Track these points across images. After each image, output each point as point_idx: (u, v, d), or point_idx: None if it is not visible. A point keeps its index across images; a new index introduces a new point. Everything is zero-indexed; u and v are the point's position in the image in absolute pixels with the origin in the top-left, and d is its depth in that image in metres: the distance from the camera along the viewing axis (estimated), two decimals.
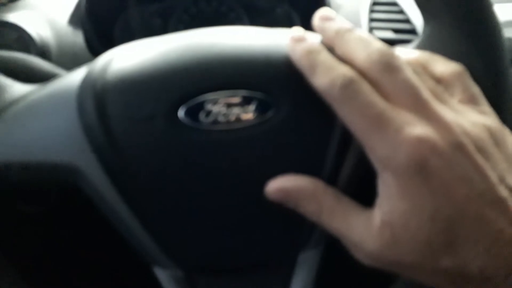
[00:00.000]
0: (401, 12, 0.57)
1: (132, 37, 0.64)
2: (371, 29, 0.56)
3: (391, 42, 0.54)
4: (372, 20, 0.57)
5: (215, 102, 0.24)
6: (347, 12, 0.59)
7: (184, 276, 0.29)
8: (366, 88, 0.22)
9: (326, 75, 0.23)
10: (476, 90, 0.26)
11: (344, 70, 0.23)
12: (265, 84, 0.25)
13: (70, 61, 0.56)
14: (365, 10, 0.57)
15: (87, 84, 0.26)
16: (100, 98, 0.25)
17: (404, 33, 0.55)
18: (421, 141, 0.21)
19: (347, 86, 0.22)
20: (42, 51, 0.53)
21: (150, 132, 0.24)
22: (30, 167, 0.26)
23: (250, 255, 0.28)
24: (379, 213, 0.23)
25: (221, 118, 0.24)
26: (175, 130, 0.24)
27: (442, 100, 0.24)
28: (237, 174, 0.25)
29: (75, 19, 0.59)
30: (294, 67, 0.25)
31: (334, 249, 0.27)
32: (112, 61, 0.26)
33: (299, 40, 0.25)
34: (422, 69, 0.26)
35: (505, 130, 0.24)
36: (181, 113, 0.24)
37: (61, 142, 0.26)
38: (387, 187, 0.22)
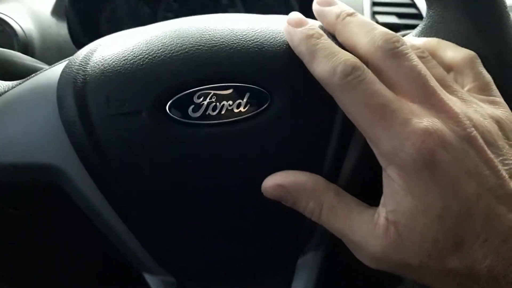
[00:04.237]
0: None
1: (119, 27, 0.62)
2: (373, 14, 0.53)
3: (395, 28, 0.52)
4: (375, 3, 0.54)
5: (205, 95, 0.22)
6: None
7: (176, 283, 0.27)
8: (369, 76, 0.21)
9: (326, 62, 0.21)
10: (487, 78, 0.24)
11: (346, 57, 0.21)
12: (258, 76, 0.23)
13: (54, 54, 0.54)
14: None
15: (67, 78, 0.23)
16: (80, 93, 0.23)
17: (409, 18, 0.52)
18: (428, 134, 0.19)
19: (349, 73, 0.21)
20: (26, 45, 0.51)
21: (135, 129, 0.22)
22: (9, 168, 0.24)
23: (245, 262, 0.26)
24: (383, 212, 0.21)
25: (211, 112, 0.23)
26: (162, 126, 0.22)
27: (450, 89, 0.23)
28: (229, 172, 0.23)
29: (59, 10, 0.56)
30: (289, 55, 0.23)
31: (335, 251, 0.25)
32: (93, 52, 0.24)
33: (298, 24, 0.23)
34: (431, 55, 0.24)
35: None
36: (168, 107, 0.22)
37: (41, 142, 0.24)
38: (392, 184, 0.21)
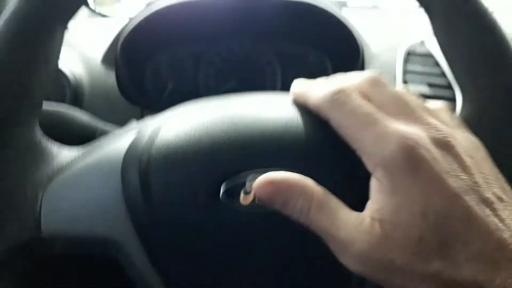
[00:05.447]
0: (436, 64, 0.56)
1: (162, 80, 0.65)
2: (405, 81, 0.55)
3: (425, 98, 0.53)
4: (406, 72, 0.56)
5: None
6: (381, 62, 0.59)
7: None
8: (355, 94, 0.24)
9: (319, 92, 0.25)
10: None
11: (334, 84, 0.25)
12: (306, 165, 0.24)
13: (101, 102, 0.56)
14: (400, 60, 0.57)
15: (132, 158, 0.26)
16: (144, 173, 0.25)
17: (439, 88, 0.54)
18: (409, 135, 0.22)
19: (338, 93, 0.24)
20: (76, 93, 0.54)
21: (192, 211, 0.24)
22: (74, 240, 0.26)
23: None
24: (369, 211, 0.22)
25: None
26: (215, 209, 0.24)
27: (431, 113, 0.25)
28: (272, 255, 0.25)
29: (109, 59, 0.60)
30: (334, 145, 0.24)
31: None
32: (158, 133, 0.26)
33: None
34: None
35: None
36: (222, 192, 0.24)
37: (103, 216, 0.26)
38: (378, 185, 0.22)
